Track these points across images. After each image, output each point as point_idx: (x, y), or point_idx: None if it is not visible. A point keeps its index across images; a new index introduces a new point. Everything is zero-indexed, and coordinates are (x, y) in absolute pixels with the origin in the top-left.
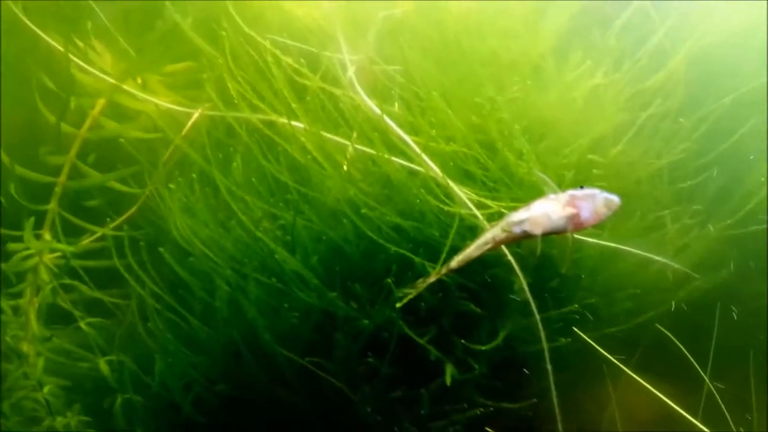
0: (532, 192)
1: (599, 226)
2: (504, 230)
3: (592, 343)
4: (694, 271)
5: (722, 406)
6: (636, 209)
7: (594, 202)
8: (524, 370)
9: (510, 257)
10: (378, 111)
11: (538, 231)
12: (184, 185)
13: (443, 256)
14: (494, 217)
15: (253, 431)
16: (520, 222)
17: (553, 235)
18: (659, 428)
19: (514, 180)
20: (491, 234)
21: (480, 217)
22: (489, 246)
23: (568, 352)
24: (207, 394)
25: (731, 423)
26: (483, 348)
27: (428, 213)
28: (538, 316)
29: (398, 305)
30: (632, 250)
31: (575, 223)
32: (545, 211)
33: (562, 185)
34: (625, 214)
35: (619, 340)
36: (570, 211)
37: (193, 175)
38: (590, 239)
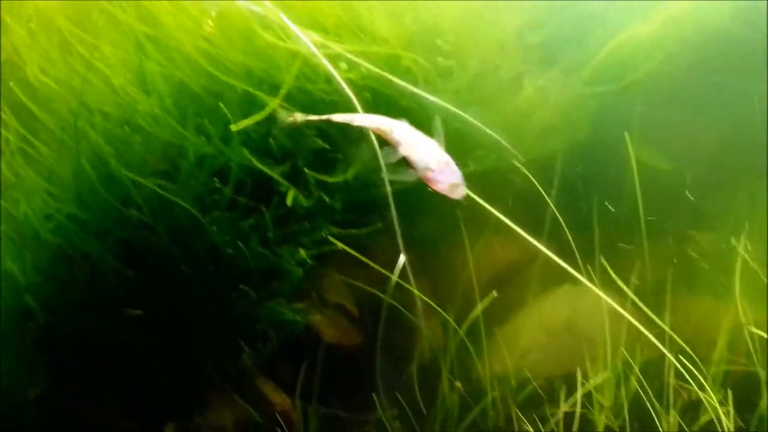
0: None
1: None
2: (390, 127)
3: None
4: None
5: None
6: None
7: (453, 178)
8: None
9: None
10: None
11: (402, 152)
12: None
13: (283, 91)
14: (336, 57)
15: (108, 254)
16: (401, 135)
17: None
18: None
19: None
20: (379, 120)
21: (318, 54)
22: (370, 124)
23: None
24: (67, 222)
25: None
26: (330, 180)
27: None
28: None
29: (233, 127)
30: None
31: (424, 177)
32: (422, 148)
33: None
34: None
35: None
36: (432, 167)
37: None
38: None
